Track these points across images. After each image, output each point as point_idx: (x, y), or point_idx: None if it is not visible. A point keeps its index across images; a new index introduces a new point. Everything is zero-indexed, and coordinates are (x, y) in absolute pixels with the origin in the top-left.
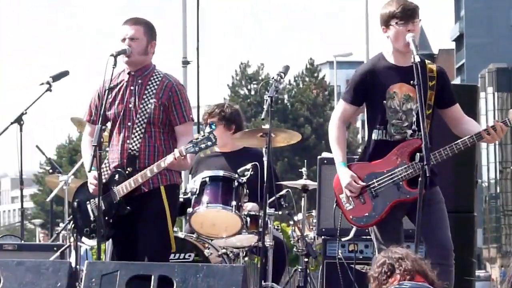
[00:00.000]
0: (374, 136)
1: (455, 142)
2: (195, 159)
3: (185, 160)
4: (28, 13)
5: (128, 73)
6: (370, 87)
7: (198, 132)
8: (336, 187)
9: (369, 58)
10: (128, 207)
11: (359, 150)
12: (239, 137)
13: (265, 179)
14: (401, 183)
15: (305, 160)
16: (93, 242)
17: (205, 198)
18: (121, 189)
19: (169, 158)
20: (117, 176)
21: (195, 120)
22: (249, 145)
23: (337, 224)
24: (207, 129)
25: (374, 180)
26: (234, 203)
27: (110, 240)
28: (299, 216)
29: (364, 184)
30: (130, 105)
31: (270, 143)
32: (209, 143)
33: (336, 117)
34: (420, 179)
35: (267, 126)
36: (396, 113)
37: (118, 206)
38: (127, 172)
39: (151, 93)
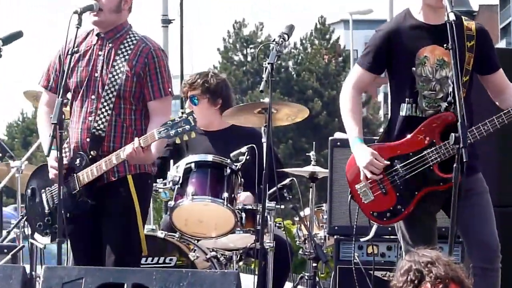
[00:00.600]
0: (401, 112)
1: (497, 115)
2: (171, 141)
3: (148, 152)
4: (28, 13)
5: (97, 35)
6: (394, 51)
7: (182, 108)
8: (350, 172)
9: (393, 16)
10: (89, 200)
11: (381, 130)
12: (231, 114)
13: (264, 165)
14: (431, 167)
15: (314, 142)
16: (47, 240)
17: (190, 188)
18: (82, 177)
19: (127, 149)
20: (78, 160)
21: (175, 94)
22: (245, 124)
23: (353, 221)
24: (187, 108)
25: (398, 166)
26: (226, 194)
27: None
28: (306, 211)
29: (388, 163)
30: (96, 74)
31: (270, 120)
32: (187, 127)
33: (350, 85)
34: (455, 164)
35: (266, 100)
36: (428, 82)
37: (78, 198)
38: (90, 156)
39: (123, 59)
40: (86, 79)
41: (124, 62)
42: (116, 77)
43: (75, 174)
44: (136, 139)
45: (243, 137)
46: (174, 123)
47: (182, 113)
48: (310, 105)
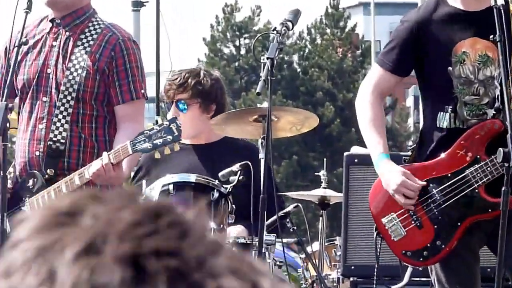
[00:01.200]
0: (437, 122)
1: None
2: (147, 156)
3: (118, 170)
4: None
5: (52, 21)
6: (424, 47)
7: (158, 115)
8: (375, 202)
9: None
10: None
11: (410, 143)
12: (219, 123)
13: (261, 188)
14: (476, 190)
15: (325, 159)
16: None
17: None
18: (37, 203)
19: (94, 166)
20: (31, 181)
21: (149, 96)
22: (236, 135)
23: (375, 259)
24: (169, 113)
25: (434, 191)
26: (212, 225)
27: None
28: (315, 246)
29: (424, 183)
30: (49, 70)
31: (269, 130)
32: (169, 137)
33: (368, 89)
34: (503, 188)
35: (265, 105)
36: (470, 84)
37: None
38: (46, 176)
39: (83, 52)
40: (36, 77)
41: (84, 55)
42: (75, 74)
43: (27, 200)
44: (105, 153)
45: (236, 153)
46: (153, 132)
47: (162, 119)
48: (320, 111)
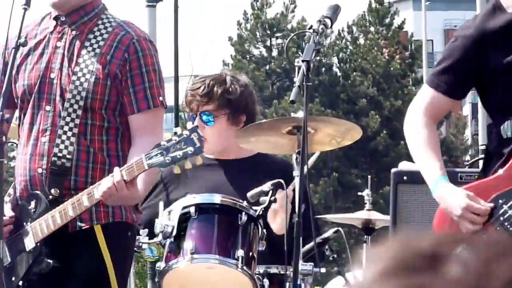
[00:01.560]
0: (503, 133)
1: None
2: (167, 171)
3: (133, 189)
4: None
5: (56, 19)
6: (484, 59)
7: (177, 126)
8: (440, 228)
9: None
10: (50, 261)
11: (467, 157)
12: (245, 136)
13: (296, 210)
14: None
15: (369, 176)
16: None
17: (188, 243)
18: (41, 228)
19: (104, 184)
20: (32, 204)
21: (167, 106)
22: (265, 150)
23: None
24: (189, 124)
25: (506, 207)
26: (240, 253)
27: None
28: (358, 277)
29: (491, 205)
30: (53, 75)
31: (305, 144)
32: (190, 149)
33: (420, 110)
34: None
35: (300, 114)
36: None
37: (35, 258)
38: (50, 197)
39: (92, 54)
40: (38, 83)
41: (93, 57)
42: (82, 79)
43: (29, 224)
44: (116, 169)
45: (269, 171)
46: (171, 144)
47: (181, 130)
48: (364, 121)
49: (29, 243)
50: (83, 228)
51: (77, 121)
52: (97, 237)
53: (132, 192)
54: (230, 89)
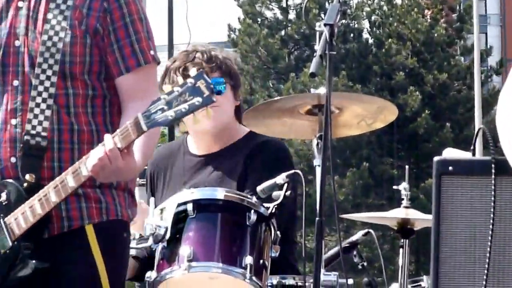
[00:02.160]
0: None
1: None
2: (158, 154)
3: (129, 158)
4: None
5: None
6: None
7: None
8: None
9: None
10: (32, 261)
11: None
12: (256, 116)
13: (318, 208)
14: None
15: (407, 166)
16: None
17: (185, 248)
18: (16, 223)
19: (94, 155)
20: (3, 195)
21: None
22: (282, 134)
23: None
24: (192, 71)
25: None
26: (249, 260)
27: None
28: None
29: None
30: (18, 42)
31: (329, 127)
32: (197, 100)
33: None
34: None
35: (322, 91)
36: None
37: (13, 261)
38: (24, 184)
39: (64, 7)
40: (1, 54)
41: (66, 12)
42: (55, 38)
43: (1, 221)
44: (107, 136)
45: (275, 158)
46: (173, 96)
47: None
48: (401, 99)
49: (4, 242)
50: (72, 228)
51: (52, 90)
52: (88, 239)
53: (129, 162)
54: (226, 60)
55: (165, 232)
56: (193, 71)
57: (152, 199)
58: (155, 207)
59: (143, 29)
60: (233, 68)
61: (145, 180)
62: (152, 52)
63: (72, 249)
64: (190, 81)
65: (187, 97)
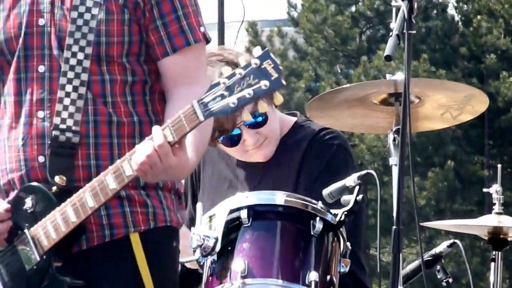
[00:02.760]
0: None
1: None
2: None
3: (182, 154)
4: None
5: None
6: None
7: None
8: None
9: None
10: (65, 278)
11: None
12: (321, 107)
13: (394, 216)
14: None
15: (499, 166)
16: None
17: (238, 263)
18: (45, 234)
19: (140, 151)
20: (28, 201)
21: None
22: (350, 128)
23: None
24: (256, 50)
25: None
26: (314, 276)
27: None
28: None
29: None
30: (42, 20)
31: (408, 119)
32: (264, 83)
33: None
34: None
35: (400, 77)
36: None
37: (42, 278)
38: (54, 188)
39: None
40: (23, 35)
41: None
42: (87, 16)
43: (26, 231)
44: (156, 128)
45: (332, 157)
46: (235, 80)
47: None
48: (493, 86)
49: (31, 257)
50: (114, 238)
51: (84, 76)
52: (133, 249)
53: (181, 159)
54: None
55: (215, 243)
56: (257, 50)
57: (199, 205)
58: (202, 213)
59: (191, 2)
60: None
61: None
62: (202, 29)
63: (114, 262)
64: (254, 61)
65: (251, 80)
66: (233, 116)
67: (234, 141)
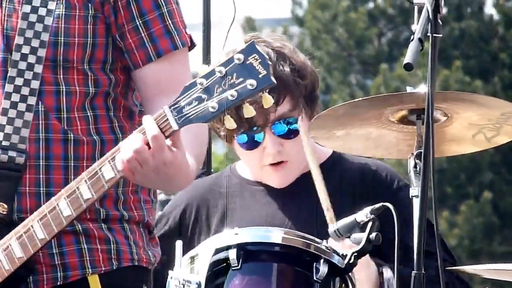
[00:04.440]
0: None
1: None
2: (194, 193)
3: (179, 150)
4: None
5: None
6: None
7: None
8: None
9: None
10: None
11: None
12: (325, 127)
13: (414, 258)
14: None
15: None
16: None
17: None
18: None
19: (127, 146)
20: None
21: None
22: (362, 152)
23: None
24: (240, 43)
25: None
26: None
27: None
28: None
29: None
30: None
31: (431, 139)
32: (250, 83)
33: None
34: None
35: (423, 89)
36: None
37: None
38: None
39: None
40: None
41: None
42: (42, 11)
43: None
44: (147, 117)
45: (356, 187)
46: (215, 80)
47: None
48: None
49: None
50: (68, 281)
51: (35, 84)
52: None
53: (178, 156)
54: (304, 71)
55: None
56: (240, 43)
57: (179, 243)
58: (183, 253)
59: (173, 1)
60: (312, 83)
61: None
62: (188, 31)
63: None
64: (237, 56)
65: (234, 79)
66: (266, 111)
67: (253, 143)
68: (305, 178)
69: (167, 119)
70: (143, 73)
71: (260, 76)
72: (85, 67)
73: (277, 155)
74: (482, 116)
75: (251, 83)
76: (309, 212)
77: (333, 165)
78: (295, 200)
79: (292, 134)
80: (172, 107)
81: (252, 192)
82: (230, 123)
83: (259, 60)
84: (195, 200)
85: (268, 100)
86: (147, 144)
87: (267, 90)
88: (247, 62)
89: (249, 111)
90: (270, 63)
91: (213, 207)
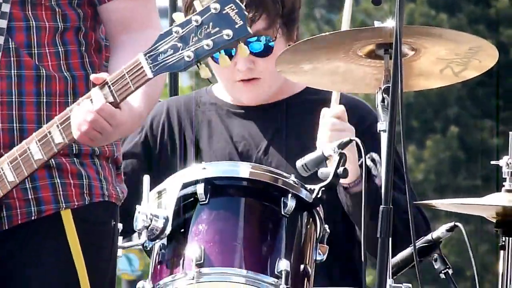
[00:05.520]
0: None
1: None
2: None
3: (128, 108)
4: None
5: None
6: None
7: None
8: None
9: None
10: None
11: None
12: (293, 62)
13: (381, 192)
14: None
15: (510, 132)
16: None
17: (192, 249)
18: None
19: (78, 113)
20: None
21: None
22: (329, 86)
23: None
24: (239, 64)
25: None
26: (284, 265)
27: None
28: None
29: None
30: None
31: (399, 74)
32: (227, 34)
33: None
34: None
35: (389, 23)
36: None
37: None
38: None
39: None
40: None
41: None
42: None
43: None
44: (95, 90)
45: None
46: (190, 29)
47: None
48: (505, 35)
49: None
50: (42, 215)
51: (3, 23)
52: (65, 229)
53: (131, 111)
54: None
55: (165, 224)
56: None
57: (146, 177)
58: (150, 189)
59: None
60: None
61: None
62: None
63: (41, 244)
64: (214, 6)
65: (210, 28)
66: None
67: (230, 53)
68: (287, 104)
69: (142, 67)
70: (108, 9)
71: (236, 26)
72: (53, 3)
73: (248, 72)
74: (450, 50)
75: (227, 33)
76: (288, 135)
77: (310, 95)
78: (273, 124)
79: (265, 52)
80: (147, 55)
81: (228, 113)
82: (205, 72)
83: (236, 10)
84: (175, 108)
85: (244, 50)
86: (100, 114)
87: (244, 35)
88: (224, 12)
89: (224, 61)
90: (246, 13)
91: (190, 120)
